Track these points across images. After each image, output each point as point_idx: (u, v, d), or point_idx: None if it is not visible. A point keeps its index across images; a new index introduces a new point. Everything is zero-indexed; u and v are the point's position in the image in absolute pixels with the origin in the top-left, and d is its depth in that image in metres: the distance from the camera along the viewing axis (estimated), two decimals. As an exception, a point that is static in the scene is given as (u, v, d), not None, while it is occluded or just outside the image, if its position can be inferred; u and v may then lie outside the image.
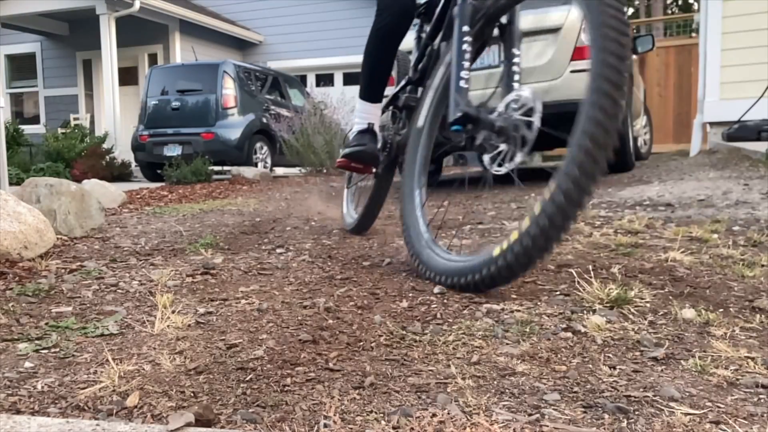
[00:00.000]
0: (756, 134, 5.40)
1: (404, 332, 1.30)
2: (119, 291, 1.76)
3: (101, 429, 0.89)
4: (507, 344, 1.21)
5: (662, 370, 1.07)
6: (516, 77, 1.66)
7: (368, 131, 2.29)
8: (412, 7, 2.17)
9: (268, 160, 9.31)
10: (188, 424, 0.89)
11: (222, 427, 0.91)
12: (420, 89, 2.30)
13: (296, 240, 2.57)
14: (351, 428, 0.89)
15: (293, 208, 3.90)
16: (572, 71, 4.35)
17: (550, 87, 4.24)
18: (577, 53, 4.36)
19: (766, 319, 1.32)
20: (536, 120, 1.53)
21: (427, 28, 2.26)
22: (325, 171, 7.97)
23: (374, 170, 2.42)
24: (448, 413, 0.92)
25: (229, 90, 8.88)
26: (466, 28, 1.72)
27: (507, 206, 3.36)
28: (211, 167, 7.51)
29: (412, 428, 0.88)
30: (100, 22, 10.62)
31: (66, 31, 13.18)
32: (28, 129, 11.02)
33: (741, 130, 5.67)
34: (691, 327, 1.28)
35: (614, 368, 1.08)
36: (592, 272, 1.63)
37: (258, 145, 9.12)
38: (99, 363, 1.18)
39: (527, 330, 1.28)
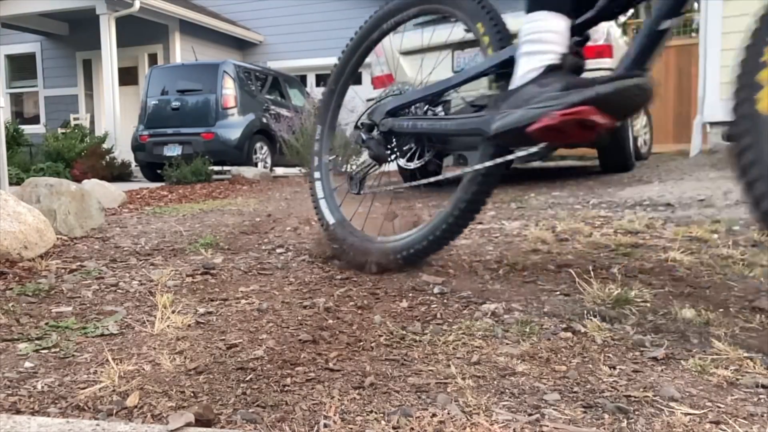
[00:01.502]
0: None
1: (404, 332, 1.30)
2: (119, 291, 1.76)
3: (101, 429, 0.89)
4: (507, 344, 1.21)
5: (662, 370, 1.07)
6: None
7: (563, 69, 1.41)
8: None
9: (268, 160, 9.31)
10: (188, 424, 0.89)
11: (222, 427, 0.91)
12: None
13: (296, 240, 2.57)
14: (351, 428, 0.89)
15: (293, 208, 3.90)
16: None
17: None
18: None
19: (766, 319, 1.32)
20: None
21: None
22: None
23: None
24: (448, 413, 0.92)
25: (229, 90, 8.88)
26: None
27: (507, 206, 3.36)
28: (211, 167, 7.51)
29: (412, 428, 0.88)
30: (100, 22, 10.61)
31: (66, 31, 13.18)
32: (28, 129, 11.02)
33: (741, 130, 5.66)
34: (691, 327, 1.28)
35: (614, 368, 1.08)
36: (592, 272, 1.63)
37: (258, 145, 9.12)
38: (99, 363, 1.18)
39: (527, 330, 1.28)
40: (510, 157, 1.61)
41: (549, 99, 1.37)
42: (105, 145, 9.90)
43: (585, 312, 1.37)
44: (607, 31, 4.23)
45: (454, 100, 1.85)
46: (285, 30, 13.36)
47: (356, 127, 2.02)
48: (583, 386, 1.01)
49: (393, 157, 1.98)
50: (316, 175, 2.18)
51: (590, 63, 1.59)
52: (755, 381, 1.00)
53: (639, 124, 6.58)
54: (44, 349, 1.27)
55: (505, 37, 1.67)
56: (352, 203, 2.10)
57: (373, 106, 1.98)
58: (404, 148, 1.94)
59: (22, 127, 10.83)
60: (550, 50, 1.41)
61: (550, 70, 1.41)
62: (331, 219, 2.04)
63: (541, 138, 1.43)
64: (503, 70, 1.62)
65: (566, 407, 0.93)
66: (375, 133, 1.95)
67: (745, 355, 1.10)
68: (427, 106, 1.90)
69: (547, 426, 0.87)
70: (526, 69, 1.43)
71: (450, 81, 1.80)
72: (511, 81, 1.50)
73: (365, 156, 2.05)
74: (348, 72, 2.17)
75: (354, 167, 2.10)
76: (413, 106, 1.89)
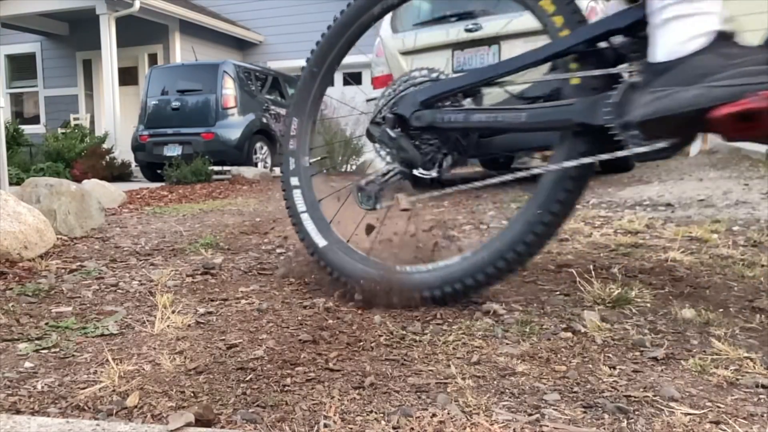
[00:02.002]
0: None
1: (404, 332, 1.30)
2: (119, 291, 1.76)
3: (101, 429, 0.89)
4: (507, 344, 1.21)
5: (662, 370, 1.07)
6: None
7: (735, 36, 1.14)
8: None
9: (268, 160, 9.31)
10: (188, 424, 0.89)
11: (222, 427, 0.91)
12: None
13: (296, 240, 2.57)
14: (351, 428, 0.89)
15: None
16: None
17: None
18: None
19: (766, 319, 1.32)
20: None
21: None
22: (325, 171, 7.97)
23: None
24: (448, 413, 0.92)
25: (229, 90, 8.88)
26: None
27: (507, 206, 3.36)
28: (211, 167, 7.51)
29: (412, 428, 0.88)
30: (100, 22, 10.62)
31: (66, 31, 13.18)
32: (28, 129, 11.02)
33: (741, 130, 5.66)
34: (691, 327, 1.28)
35: (614, 368, 1.08)
36: (592, 272, 1.63)
37: (258, 145, 9.12)
38: (99, 363, 1.18)
39: (527, 330, 1.28)
40: (622, 153, 1.25)
41: (752, 74, 1.04)
42: (105, 145, 9.90)
43: (585, 312, 1.37)
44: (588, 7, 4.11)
45: (490, 93, 1.58)
46: (285, 30, 13.36)
47: (374, 122, 1.63)
48: (583, 386, 1.01)
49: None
50: (294, 181, 1.76)
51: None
52: (755, 381, 1.00)
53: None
54: (44, 349, 1.27)
55: (582, 18, 1.39)
56: (346, 217, 1.72)
57: (396, 95, 1.61)
58: (437, 149, 1.57)
59: (22, 127, 10.82)
60: (712, 11, 1.11)
61: (723, 37, 1.11)
62: (320, 240, 1.66)
63: (725, 127, 1.09)
64: (590, 49, 1.34)
65: (566, 407, 0.93)
66: (397, 130, 1.57)
67: (745, 355, 1.11)
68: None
69: (547, 426, 0.87)
70: (683, 36, 1.12)
71: (506, 66, 1.46)
72: (651, 53, 1.19)
73: (380, 158, 1.65)
74: (336, 52, 1.80)
75: (365, 175, 1.65)
76: (451, 97, 1.55)
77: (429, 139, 1.57)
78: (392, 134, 1.56)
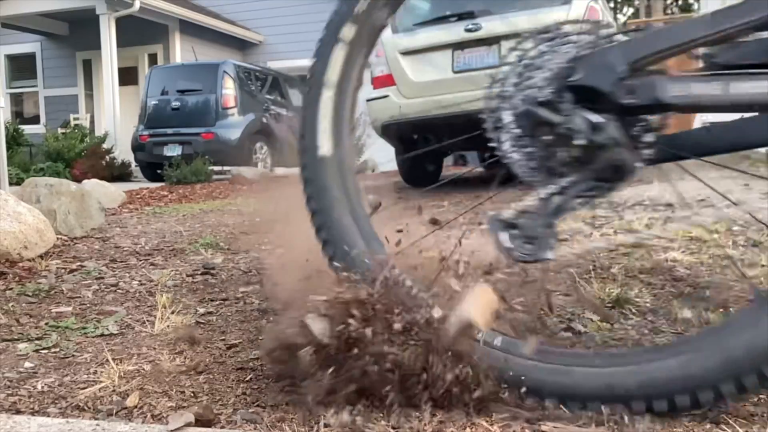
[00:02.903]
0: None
1: (404, 332, 1.30)
2: (119, 291, 1.76)
3: (101, 429, 0.89)
4: (507, 344, 1.21)
5: (662, 370, 1.07)
6: None
7: None
8: None
9: (268, 160, 9.31)
10: (188, 424, 0.89)
11: (222, 427, 0.91)
12: None
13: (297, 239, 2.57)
14: (351, 428, 0.88)
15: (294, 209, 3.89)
16: None
17: None
18: None
19: (766, 319, 1.32)
20: None
21: None
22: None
23: None
24: (448, 413, 0.91)
25: (229, 90, 8.88)
26: None
27: (507, 206, 3.35)
28: (211, 167, 7.51)
29: (412, 428, 0.88)
30: (100, 22, 10.61)
31: (66, 31, 13.18)
32: (28, 129, 11.01)
33: (741, 130, 5.65)
34: (691, 327, 1.28)
35: (614, 368, 1.08)
36: (592, 272, 1.63)
37: (258, 145, 9.12)
38: (99, 363, 1.18)
39: (527, 330, 1.28)
40: None
41: None
42: (105, 145, 9.89)
43: (585, 312, 1.37)
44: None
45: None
46: (285, 30, 13.35)
47: (542, 104, 0.94)
48: (583, 386, 1.01)
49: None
50: (338, 49, 1.16)
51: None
52: (755, 381, 1.00)
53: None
54: (44, 349, 1.27)
55: None
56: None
57: (568, 57, 0.95)
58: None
59: (22, 127, 10.81)
60: None
61: None
62: (325, 143, 1.07)
63: None
64: None
65: (566, 407, 0.93)
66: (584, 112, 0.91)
67: (745, 355, 1.10)
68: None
69: (547, 426, 0.87)
70: None
71: None
72: None
73: (536, 168, 1.01)
74: None
75: (510, 200, 1.03)
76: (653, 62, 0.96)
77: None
78: (595, 119, 0.91)
